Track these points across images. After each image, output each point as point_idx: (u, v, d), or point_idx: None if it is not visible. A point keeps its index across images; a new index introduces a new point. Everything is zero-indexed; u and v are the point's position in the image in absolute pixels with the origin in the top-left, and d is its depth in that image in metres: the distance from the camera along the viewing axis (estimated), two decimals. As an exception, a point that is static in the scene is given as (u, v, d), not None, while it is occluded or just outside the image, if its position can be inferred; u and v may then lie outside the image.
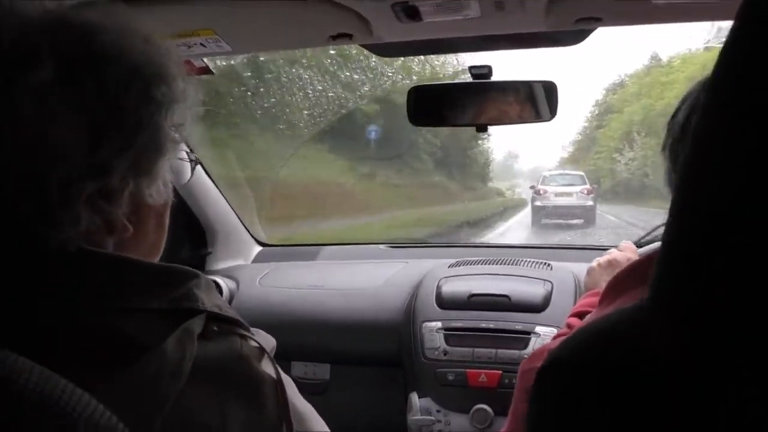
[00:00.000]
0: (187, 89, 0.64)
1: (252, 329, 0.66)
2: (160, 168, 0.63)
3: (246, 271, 2.00)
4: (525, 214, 16.38)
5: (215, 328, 0.61)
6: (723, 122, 0.39)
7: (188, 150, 0.75)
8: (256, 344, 0.64)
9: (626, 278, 0.77)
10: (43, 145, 0.55)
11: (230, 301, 1.82)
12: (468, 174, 22.17)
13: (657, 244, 1.21)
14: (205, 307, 0.61)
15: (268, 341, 0.67)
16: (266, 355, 0.65)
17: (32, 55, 0.54)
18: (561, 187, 14.76)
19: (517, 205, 20.35)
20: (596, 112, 28.94)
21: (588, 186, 14.64)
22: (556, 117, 1.33)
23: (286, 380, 0.66)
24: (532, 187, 16.27)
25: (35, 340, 0.53)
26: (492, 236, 12.95)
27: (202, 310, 0.61)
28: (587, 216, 13.47)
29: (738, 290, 0.38)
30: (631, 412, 0.46)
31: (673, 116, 0.76)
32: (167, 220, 0.69)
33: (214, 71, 1.33)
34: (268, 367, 0.64)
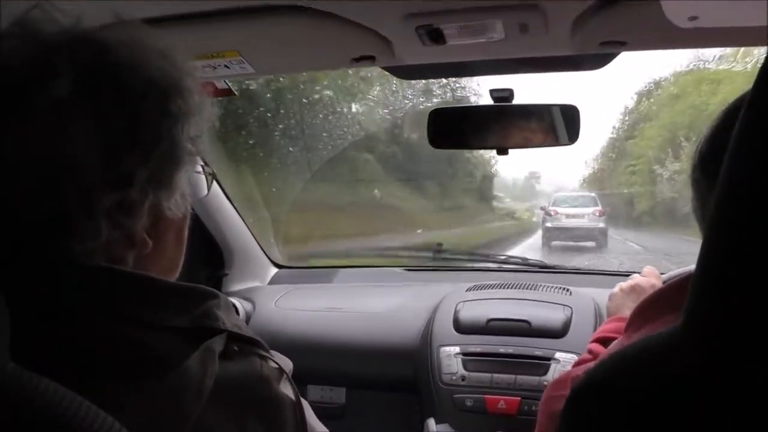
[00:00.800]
0: (203, 102, 0.65)
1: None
2: (178, 180, 0.64)
3: (262, 293, 2.00)
4: (535, 239, 15.59)
5: (235, 347, 0.61)
6: (760, 149, 0.39)
7: (204, 163, 0.75)
8: (275, 365, 0.65)
9: (653, 305, 0.75)
10: (59, 155, 0.55)
11: (246, 323, 1.81)
12: (454, 189, 17.40)
13: (681, 270, 1.21)
14: (226, 327, 0.61)
15: (286, 363, 0.67)
16: (285, 376, 0.65)
17: (50, 69, 0.55)
18: (572, 209, 14.55)
19: (524, 231, 17.40)
20: (627, 120, 24.00)
21: (600, 208, 14.48)
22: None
23: (303, 402, 0.66)
24: (542, 208, 16.07)
25: (54, 353, 0.53)
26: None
27: (222, 330, 0.61)
28: (599, 238, 13.31)
29: (751, 297, 0.39)
30: None
31: (698, 146, 0.75)
32: (186, 235, 0.70)
33: (236, 92, 1.34)
34: (287, 389, 0.64)
